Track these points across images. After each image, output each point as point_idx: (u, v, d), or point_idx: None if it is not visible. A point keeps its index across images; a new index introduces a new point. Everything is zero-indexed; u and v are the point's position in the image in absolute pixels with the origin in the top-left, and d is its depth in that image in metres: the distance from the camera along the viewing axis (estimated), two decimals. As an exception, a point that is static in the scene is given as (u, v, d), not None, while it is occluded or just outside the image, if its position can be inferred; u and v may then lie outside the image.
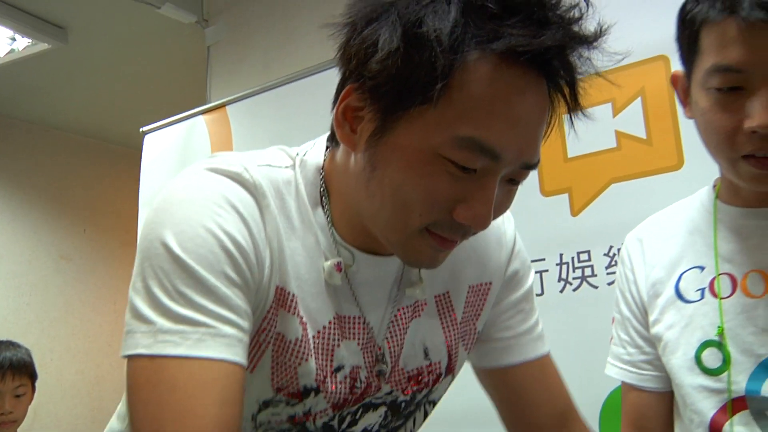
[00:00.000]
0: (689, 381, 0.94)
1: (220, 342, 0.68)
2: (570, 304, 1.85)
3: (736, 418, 0.90)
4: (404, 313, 0.87)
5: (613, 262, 1.80)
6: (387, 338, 0.86)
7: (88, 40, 3.59)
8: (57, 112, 4.55)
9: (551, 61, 0.68)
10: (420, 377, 0.89)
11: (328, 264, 0.79)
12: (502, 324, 0.96)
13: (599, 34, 0.69)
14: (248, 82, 3.04)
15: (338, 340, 0.82)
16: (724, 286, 0.94)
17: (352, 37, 0.71)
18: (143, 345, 0.67)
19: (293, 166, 0.82)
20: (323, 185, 0.81)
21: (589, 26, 0.69)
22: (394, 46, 0.66)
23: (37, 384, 2.39)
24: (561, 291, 1.88)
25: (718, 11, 0.84)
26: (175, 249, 0.69)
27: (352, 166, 0.76)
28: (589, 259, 1.85)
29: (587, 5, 0.69)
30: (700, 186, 1.05)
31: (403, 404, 0.90)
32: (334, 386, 0.82)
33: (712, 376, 0.92)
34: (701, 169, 0.97)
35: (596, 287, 1.82)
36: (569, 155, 1.91)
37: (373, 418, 0.89)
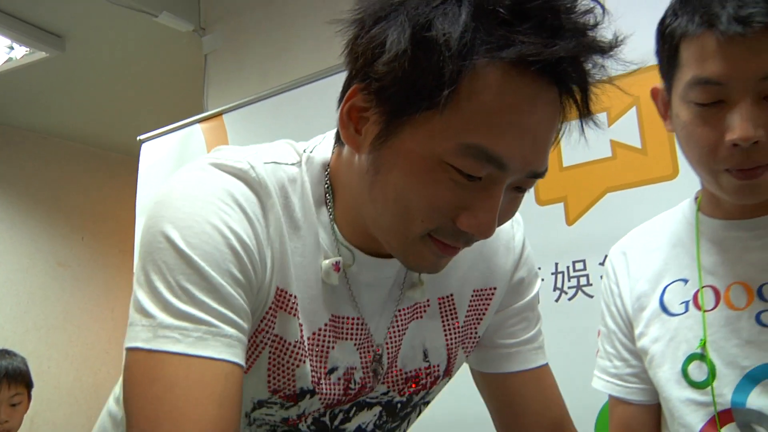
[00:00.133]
0: (677, 394, 0.94)
1: (221, 341, 0.67)
2: (565, 314, 1.85)
3: (724, 430, 0.90)
4: (404, 314, 0.86)
5: (608, 272, 1.80)
6: (386, 339, 0.85)
7: (86, 49, 3.60)
8: (54, 120, 4.56)
9: (564, 69, 0.65)
10: (418, 379, 0.89)
11: (326, 263, 0.78)
12: (504, 331, 0.95)
13: (615, 43, 0.66)
14: (245, 90, 3.05)
15: (332, 341, 0.81)
16: (707, 298, 0.95)
17: (360, 35, 0.69)
18: (142, 339, 0.66)
19: (299, 164, 0.80)
20: (328, 182, 0.80)
21: (604, 32, 0.66)
22: (401, 48, 0.64)
23: (35, 392, 2.39)
24: (556, 300, 1.88)
25: (697, 25, 0.84)
26: (180, 244, 0.68)
27: (356, 166, 0.75)
28: (585, 269, 1.85)
29: (603, 11, 0.66)
30: (695, 195, 1.05)
31: (399, 405, 0.90)
32: (328, 388, 0.81)
33: (699, 389, 0.92)
34: (696, 179, 0.97)
35: (591, 296, 1.82)
36: (565, 164, 1.91)
37: (367, 417, 0.88)
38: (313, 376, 0.79)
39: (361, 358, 0.84)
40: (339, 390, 0.82)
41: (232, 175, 0.74)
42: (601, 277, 1.73)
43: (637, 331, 1.01)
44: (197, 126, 3.00)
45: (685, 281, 0.98)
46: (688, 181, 0.98)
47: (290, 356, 0.78)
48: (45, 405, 4.32)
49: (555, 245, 1.88)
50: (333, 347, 0.81)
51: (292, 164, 0.80)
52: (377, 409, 0.88)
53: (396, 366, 0.87)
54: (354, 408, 0.87)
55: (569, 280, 1.87)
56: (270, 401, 0.80)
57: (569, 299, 1.86)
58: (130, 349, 0.67)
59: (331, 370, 0.82)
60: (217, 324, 0.67)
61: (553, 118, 0.68)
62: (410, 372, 0.88)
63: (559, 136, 0.73)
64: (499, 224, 0.71)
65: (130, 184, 3.25)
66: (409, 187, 0.68)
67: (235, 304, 0.69)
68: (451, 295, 0.90)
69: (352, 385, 0.83)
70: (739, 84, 0.82)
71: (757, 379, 0.88)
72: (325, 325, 0.80)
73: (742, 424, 0.89)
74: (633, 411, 1.03)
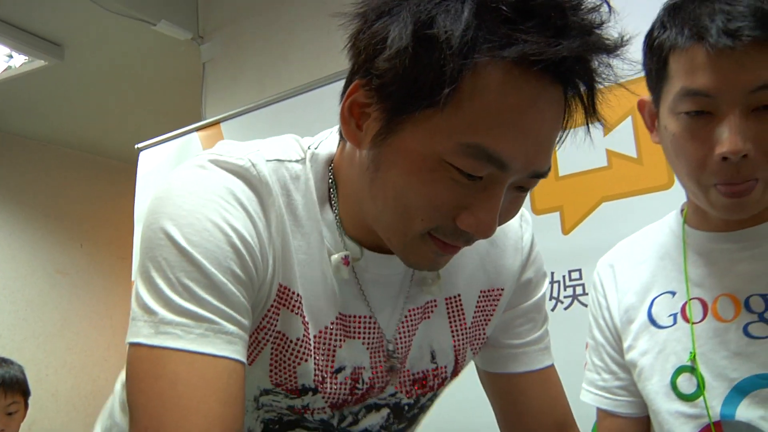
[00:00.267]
0: (666, 407, 0.94)
1: (223, 339, 0.66)
2: (561, 323, 1.84)
3: None
4: (414, 314, 0.85)
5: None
6: (395, 338, 0.84)
7: (85, 57, 3.61)
8: (53, 127, 4.57)
9: (569, 68, 0.64)
10: (425, 380, 0.88)
11: (335, 257, 0.77)
12: (511, 331, 0.95)
13: (620, 43, 0.65)
14: (243, 98, 3.06)
15: (341, 340, 0.80)
16: (695, 310, 0.95)
17: (362, 30, 0.68)
18: (144, 334, 0.66)
19: (304, 161, 0.79)
20: (332, 178, 0.79)
21: (611, 31, 0.65)
22: (403, 45, 0.63)
23: (32, 399, 2.38)
24: (552, 309, 1.88)
25: (687, 38, 0.84)
26: (181, 241, 0.67)
27: (357, 162, 0.74)
28: (581, 278, 1.85)
29: (609, 10, 0.65)
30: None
31: (406, 407, 0.89)
32: (333, 387, 0.80)
33: (688, 402, 0.92)
34: (690, 189, 0.98)
35: (587, 306, 1.82)
36: (561, 174, 1.92)
37: (375, 419, 0.87)
38: (316, 375, 0.79)
39: (371, 357, 0.83)
40: (345, 390, 0.81)
41: (232, 173, 0.73)
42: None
43: (625, 344, 1.01)
44: (195, 134, 3.00)
45: (673, 293, 0.98)
46: (683, 191, 0.98)
47: (292, 353, 0.77)
48: (43, 413, 4.31)
49: (551, 254, 1.85)
50: (341, 346, 0.80)
51: (296, 161, 0.79)
52: (385, 411, 0.88)
53: (404, 367, 0.86)
54: (363, 410, 0.86)
55: (565, 290, 1.87)
56: (274, 391, 0.80)
57: (565, 308, 1.86)
58: (132, 345, 0.67)
59: (338, 370, 0.81)
60: (219, 321, 0.67)
61: (556, 117, 0.67)
62: (418, 373, 0.87)
63: (564, 136, 0.71)
64: (500, 224, 0.71)
65: (128, 191, 3.25)
66: (409, 185, 0.67)
67: (236, 301, 0.69)
68: (459, 295, 0.89)
69: (359, 385, 0.82)
70: (729, 97, 0.82)
71: (746, 391, 0.88)
72: (332, 323, 0.79)
73: None
74: (621, 424, 1.03)
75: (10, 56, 3.51)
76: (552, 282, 1.89)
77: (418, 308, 0.86)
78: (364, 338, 0.82)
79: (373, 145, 0.70)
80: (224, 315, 0.67)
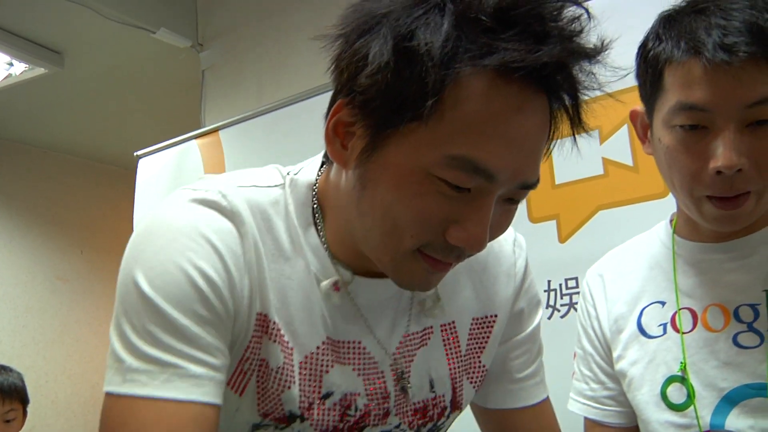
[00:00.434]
0: (656, 417, 0.94)
1: (189, 383, 0.66)
2: (558, 331, 1.84)
3: None
4: (413, 339, 0.84)
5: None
6: (391, 365, 0.82)
7: (85, 65, 3.62)
8: (54, 134, 4.58)
9: (552, 76, 0.64)
10: (426, 410, 0.86)
11: (324, 284, 0.76)
12: (507, 365, 0.93)
13: (601, 48, 0.65)
14: (242, 105, 3.07)
15: (329, 365, 0.79)
16: (685, 320, 0.95)
17: (344, 50, 0.68)
18: (114, 383, 0.67)
19: (282, 186, 0.79)
20: (316, 203, 0.78)
21: (591, 40, 0.65)
22: (384, 60, 0.63)
23: (32, 406, 2.39)
24: (549, 318, 1.87)
25: (683, 51, 0.84)
26: (144, 287, 0.68)
27: (344, 183, 0.73)
28: (577, 286, 1.84)
29: (589, 17, 0.65)
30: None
31: None
32: (321, 414, 0.79)
33: (678, 412, 0.92)
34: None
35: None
36: (557, 182, 1.91)
37: None
38: (302, 401, 0.77)
39: (365, 383, 0.81)
40: (334, 416, 0.80)
41: (204, 207, 0.73)
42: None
43: (615, 354, 1.01)
44: (193, 142, 3.01)
45: (663, 303, 0.98)
46: (678, 201, 0.99)
47: (274, 381, 0.76)
48: (42, 420, 4.31)
49: (547, 263, 1.88)
50: (328, 371, 0.79)
51: (274, 186, 0.79)
52: None
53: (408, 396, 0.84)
54: None
55: (561, 298, 1.87)
56: (263, 424, 0.79)
57: (561, 317, 1.86)
58: (105, 394, 0.68)
59: (326, 395, 0.79)
60: (184, 365, 0.67)
61: (542, 127, 0.67)
62: (418, 403, 0.85)
63: (551, 147, 0.71)
64: (492, 238, 0.70)
65: (128, 197, 3.26)
66: (396, 201, 0.66)
67: (202, 343, 0.68)
68: (453, 322, 0.87)
69: (350, 412, 0.80)
70: (724, 111, 0.82)
71: (735, 400, 0.88)
72: (318, 348, 0.78)
73: None
74: None
75: (11, 64, 3.52)
76: (548, 290, 1.89)
77: (416, 333, 0.84)
78: (354, 364, 0.80)
79: (359, 164, 0.69)
80: (190, 358, 0.67)
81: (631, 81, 1.74)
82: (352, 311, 0.80)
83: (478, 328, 0.89)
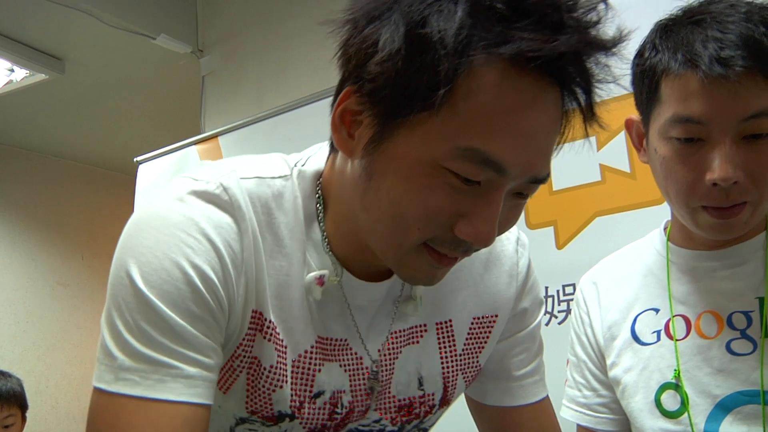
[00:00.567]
0: (650, 424, 0.94)
1: (181, 383, 0.65)
2: (556, 337, 1.83)
3: None
4: (399, 336, 0.83)
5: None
6: (378, 360, 0.81)
7: (85, 71, 3.63)
8: (54, 140, 4.60)
9: (566, 68, 0.62)
10: (411, 408, 0.85)
11: (308, 277, 0.75)
12: (506, 362, 0.92)
13: (618, 39, 0.63)
14: (242, 111, 3.07)
15: (319, 364, 0.78)
16: (678, 327, 0.95)
17: (352, 36, 0.66)
18: (105, 380, 0.66)
19: (288, 177, 0.76)
20: (320, 194, 0.77)
21: (608, 31, 0.63)
22: (395, 47, 0.61)
23: (33, 411, 2.38)
24: (546, 324, 1.87)
25: (680, 63, 0.84)
26: (138, 282, 0.66)
27: (349, 173, 0.71)
28: (574, 292, 1.84)
29: (606, 8, 0.63)
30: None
31: None
32: (311, 412, 0.78)
33: (672, 419, 0.92)
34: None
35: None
36: (554, 188, 1.91)
37: None
38: (293, 401, 0.77)
39: (350, 380, 0.80)
40: (323, 415, 0.80)
41: (203, 200, 0.71)
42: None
43: (609, 361, 1.01)
44: (193, 148, 3.02)
45: (656, 310, 0.98)
46: (674, 208, 1.00)
47: (266, 380, 0.76)
48: (42, 425, 4.31)
49: (545, 269, 1.87)
50: (320, 370, 0.78)
51: (279, 177, 0.76)
52: None
53: (389, 392, 0.84)
54: None
55: (559, 304, 1.87)
56: (250, 419, 0.79)
57: (559, 323, 1.86)
58: (95, 389, 0.67)
59: (317, 394, 0.79)
60: (177, 365, 0.66)
61: (554, 121, 0.65)
62: (404, 400, 0.84)
63: (562, 140, 0.69)
64: (500, 232, 0.68)
65: (129, 202, 3.27)
66: (403, 193, 0.64)
67: (195, 342, 0.67)
68: (450, 320, 0.86)
69: (338, 409, 0.80)
70: (721, 124, 0.83)
71: (729, 408, 0.89)
72: (312, 347, 0.77)
73: None
74: None
75: (12, 70, 3.53)
76: (546, 297, 1.89)
77: (402, 330, 0.83)
78: (341, 361, 0.80)
79: (366, 153, 0.67)
80: (183, 358, 0.66)
81: (625, 89, 1.76)
82: (340, 307, 0.79)
83: (478, 328, 0.88)
